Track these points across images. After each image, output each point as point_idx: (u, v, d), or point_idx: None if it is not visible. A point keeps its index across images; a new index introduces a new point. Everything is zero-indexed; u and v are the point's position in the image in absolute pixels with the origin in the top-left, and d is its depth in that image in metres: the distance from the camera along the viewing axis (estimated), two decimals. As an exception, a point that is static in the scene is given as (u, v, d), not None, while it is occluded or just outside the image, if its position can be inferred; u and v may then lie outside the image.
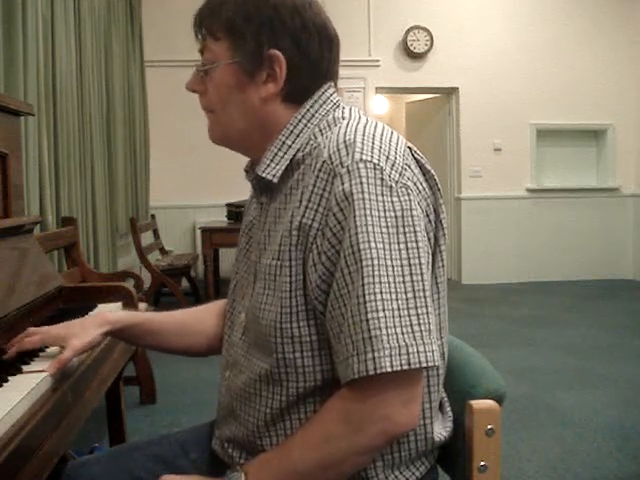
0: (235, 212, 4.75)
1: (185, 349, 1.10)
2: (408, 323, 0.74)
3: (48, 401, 0.98)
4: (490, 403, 0.90)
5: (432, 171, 0.87)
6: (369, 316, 0.73)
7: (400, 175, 0.79)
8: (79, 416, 1.13)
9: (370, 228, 0.75)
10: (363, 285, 0.74)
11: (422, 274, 0.76)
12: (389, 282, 0.74)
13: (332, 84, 0.94)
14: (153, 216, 5.68)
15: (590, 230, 6.46)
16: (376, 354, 0.73)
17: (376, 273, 0.74)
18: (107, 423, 2.07)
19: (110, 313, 1.08)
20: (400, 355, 0.73)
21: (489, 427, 0.89)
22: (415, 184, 0.81)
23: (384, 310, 0.73)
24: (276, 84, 0.88)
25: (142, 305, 1.86)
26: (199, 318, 1.12)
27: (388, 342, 0.73)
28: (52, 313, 1.54)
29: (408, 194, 0.78)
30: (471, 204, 6.30)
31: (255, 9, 0.86)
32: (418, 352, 0.74)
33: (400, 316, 0.74)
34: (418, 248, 0.77)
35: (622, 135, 6.48)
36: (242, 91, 0.89)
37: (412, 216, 0.78)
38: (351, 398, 0.76)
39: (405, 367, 0.73)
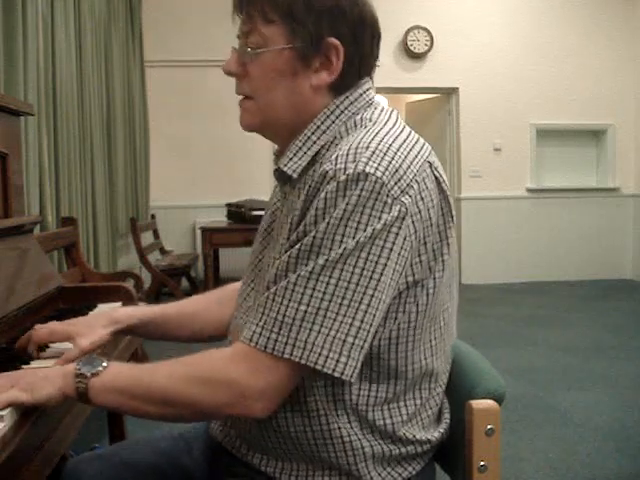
0: (235, 212, 4.75)
1: (198, 337, 1.12)
2: (328, 325, 0.75)
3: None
4: (490, 403, 0.90)
5: (448, 192, 0.85)
6: (290, 304, 0.75)
7: (402, 192, 0.76)
8: (79, 416, 1.13)
9: (339, 237, 0.75)
10: (300, 276, 0.75)
11: (367, 288, 0.75)
12: (329, 283, 0.75)
13: (369, 80, 0.92)
14: (153, 216, 5.68)
15: (590, 230, 6.46)
16: (280, 337, 0.75)
17: (317, 271, 0.75)
18: (107, 423, 2.07)
19: (118, 311, 1.08)
20: (304, 349, 0.74)
21: (489, 427, 0.89)
22: (416, 204, 0.78)
23: (308, 305, 0.75)
24: (330, 73, 0.86)
25: (142, 305, 1.86)
26: (209, 305, 1.13)
27: (297, 333, 0.75)
28: (52, 313, 1.54)
29: (399, 211, 0.76)
30: (471, 204, 6.30)
31: None
32: (320, 354, 0.74)
33: (324, 317, 0.75)
34: (377, 263, 0.75)
35: (622, 135, 6.47)
36: (294, 78, 0.86)
37: (389, 232, 0.75)
38: (238, 360, 0.78)
39: (303, 361, 0.75)
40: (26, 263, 1.52)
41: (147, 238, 5.19)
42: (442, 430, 0.94)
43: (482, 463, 0.89)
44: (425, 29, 6.08)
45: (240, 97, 0.92)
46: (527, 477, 2.18)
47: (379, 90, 6.25)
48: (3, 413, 0.84)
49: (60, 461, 1.03)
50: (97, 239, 3.72)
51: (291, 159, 0.88)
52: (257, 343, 0.76)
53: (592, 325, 4.47)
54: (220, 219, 5.26)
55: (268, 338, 0.76)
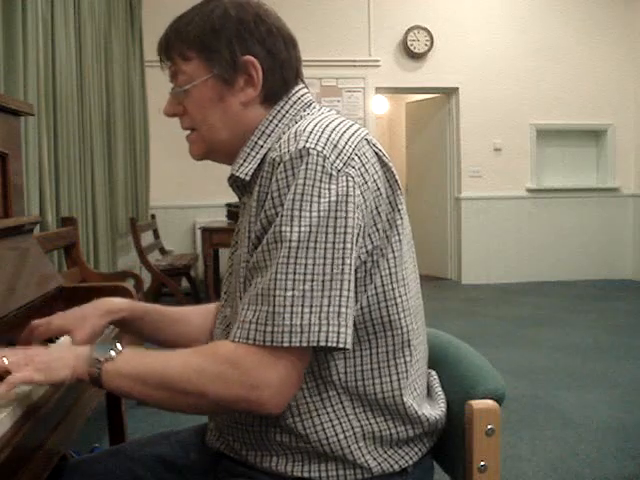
0: (235, 212, 4.75)
1: (180, 342, 1.10)
2: (318, 303, 0.77)
3: (48, 400, 0.98)
4: (490, 403, 0.90)
5: (390, 164, 0.90)
6: (277, 293, 0.77)
7: (344, 164, 0.81)
8: (79, 416, 1.13)
9: (297, 212, 0.79)
10: (278, 264, 0.78)
11: (344, 258, 0.79)
12: (306, 264, 0.78)
13: (303, 85, 0.98)
14: (153, 216, 5.68)
15: (590, 230, 6.46)
16: (276, 329, 0.77)
17: (292, 254, 0.78)
18: (107, 423, 2.07)
19: (112, 301, 1.09)
20: (301, 333, 0.77)
21: (489, 427, 0.89)
22: (362, 175, 0.83)
23: (293, 289, 0.77)
24: (255, 88, 0.93)
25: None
26: (201, 313, 1.14)
27: (290, 320, 0.77)
28: (52, 313, 1.54)
29: (347, 181, 0.81)
30: (471, 204, 6.30)
31: (221, 25, 0.92)
32: (320, 331, 0.77)
33: (312, 297, 0.77)
34: (346, 233, 0.79)
35: (622, 135, 6.48)
36: (223, 101, 0.93)
37: (347, 202, 0.80)
38: (243, 355, 0.79)
39: (304, 344, 0.77)
40: (26, 263, 1.52)
41: (147, 238, 5.19)
42: (437, 416, 0.94)
43: (482, 463, 0.90)
44: (425, 29, 6.09)
45: (187, 132, 0.99)
46: (527, 477, 2.18)
47: (379, 90, 6.27)
48: (3, 414, 0.84)
49: (60, 461, 1.03)
50: (97, 239, 3.72)
51: (242, 164, 0.93)
52: (255, 340, 0.78)
53: (592, 325, 4.47)
54: (220, 219, 5.27)
55: (264, 332, 0.78)
